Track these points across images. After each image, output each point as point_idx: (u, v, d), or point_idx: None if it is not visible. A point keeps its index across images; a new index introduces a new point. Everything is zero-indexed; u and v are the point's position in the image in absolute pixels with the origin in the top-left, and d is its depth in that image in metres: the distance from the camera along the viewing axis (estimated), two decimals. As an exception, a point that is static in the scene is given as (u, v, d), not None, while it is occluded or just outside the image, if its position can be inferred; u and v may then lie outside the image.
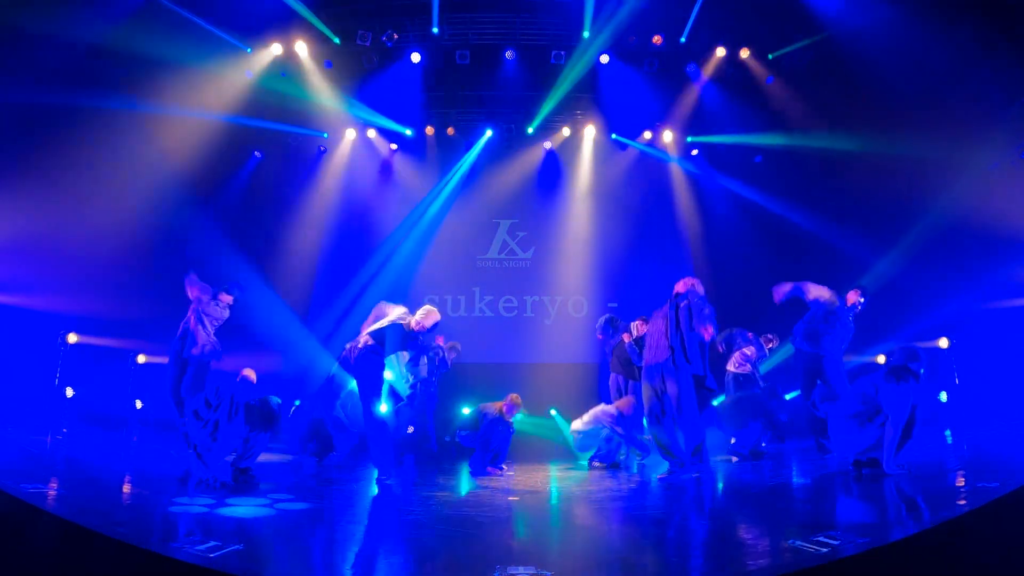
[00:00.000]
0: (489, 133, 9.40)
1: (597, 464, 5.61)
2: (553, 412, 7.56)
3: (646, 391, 4.56)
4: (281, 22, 7.90)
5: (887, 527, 2.43)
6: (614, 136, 9.50)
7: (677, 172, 9.52)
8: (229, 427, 3.88)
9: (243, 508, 3.17)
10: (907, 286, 7.28)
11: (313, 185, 9.38)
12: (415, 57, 8.39)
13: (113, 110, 6.99)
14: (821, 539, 2.13)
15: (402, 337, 4.70)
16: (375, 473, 4.46)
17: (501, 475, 5.11)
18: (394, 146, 9.51)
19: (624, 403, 5.60)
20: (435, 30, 8.07)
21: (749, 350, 6.32)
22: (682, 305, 4.41)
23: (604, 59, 8.41)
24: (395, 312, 4.82)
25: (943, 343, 7.32)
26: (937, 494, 2.94)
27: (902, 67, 6.91)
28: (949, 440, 5.74)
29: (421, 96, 8.93)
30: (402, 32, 8.17)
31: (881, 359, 7.59)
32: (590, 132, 9.45)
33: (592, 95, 9.03)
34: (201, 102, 7.85)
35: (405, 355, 5.11)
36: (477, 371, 8.17)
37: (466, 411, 7.96)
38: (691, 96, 8.81)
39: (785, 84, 8.34)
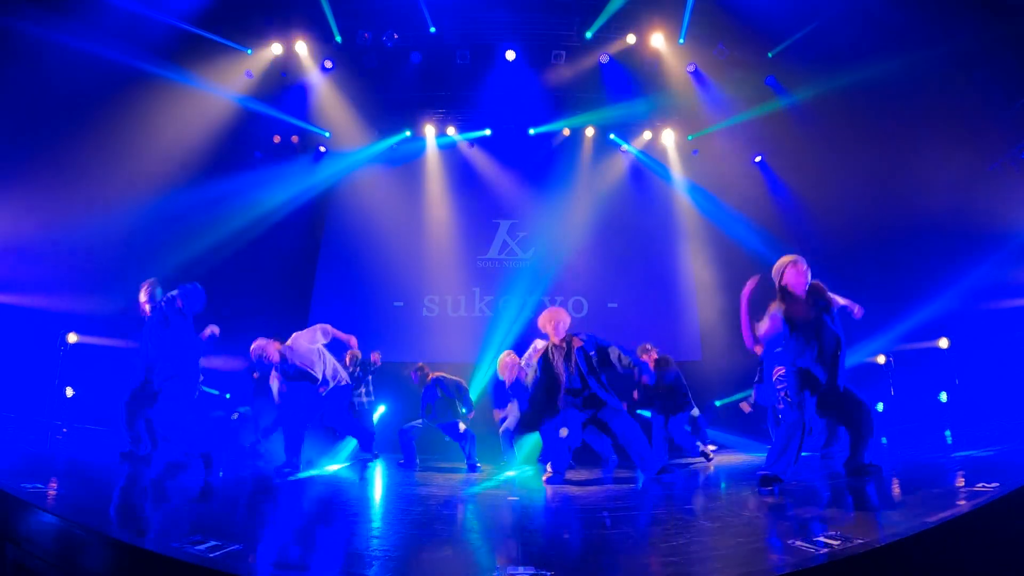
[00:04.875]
0: (487, 132, 9.42)
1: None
2: None
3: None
4: (281, 21, 7.92)
5: (887, 527, 2.43)
6: (612, 136, 9.51)
7: (677, 172, 9.53)
8: None
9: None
10: (906, 286, 7.28)
11: (314, 185, 9.39)
12: (415, 57, 8.41)
13: (113, 105, 7.00)
14: (821, 539, 2.13)
15: None
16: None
17: None
18: (394, 145, 9.53)
19: None
20: (432, 30, 8.07)
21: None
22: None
23: (604, 59, 8.42)
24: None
25: (943, 343, 7.32)
26: (937, 494, 2.94)
27: (902, 67, 6.91)
28: (949, 440, 5.74)
29: (421, 96, 8.94)
30: (402, 32, 8.17)
31: (881, 359, 7.60)
32: (590, 132, 9.46)
33: (592, 95, 9.04)
34: (202, 101, 7.88)
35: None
36: (477, 372, 8.17)
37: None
38: (691, 95, 8.82)
39: (784, 84, 8.35)
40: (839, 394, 3.67)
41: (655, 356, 6.19)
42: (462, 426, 6.12)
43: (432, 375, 6.31)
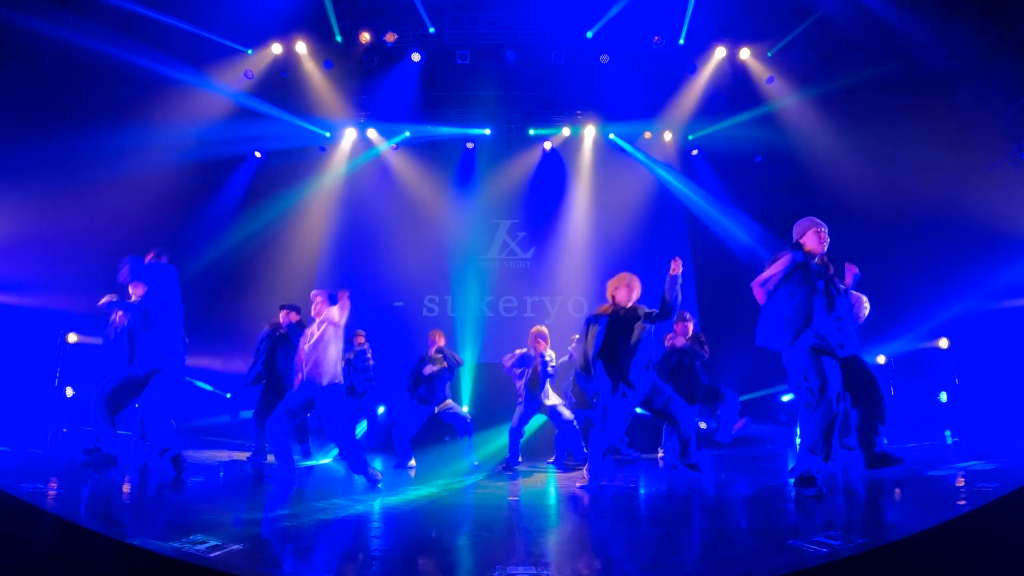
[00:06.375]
0: (487, 132, 9.43)
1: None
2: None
3: None
4: (281, 21, 7.92)
5: (887, 527, 2.43)
6: (612, 136, 9.51)
7: (676, 172, 9.53)
8: None
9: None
10: (907, 286, 7.28)
11: (313, 185, 9.40)
12: (415, 57, 8.42)
13: (114, 104, 7.00)
14: (821, 539, 2.13)
15: None
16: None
17: None
18: (394, 145, 9.54)
19: None
20: (431, 30, 8.07)
21: None
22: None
23: (604, 59, 8.42)
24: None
25: (943, 343, 7.32)
26: (937, 494, 2.94)
27: (902, 67, 6.92)
28: (949, 440, 5.74)
29: (421, 96, 8.95)
30: (402, 32, 8.18)
31: (881, 359, 7.59)
32: (590, 132, 9.47)
33: (592, 95, 9.05)
34: (202, 100, 7.89)
35: None
36: (477, 371, 8.18)
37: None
38: (692, 96, 8.82)
39: (784, 84, 8.36)
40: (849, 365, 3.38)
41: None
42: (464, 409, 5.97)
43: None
